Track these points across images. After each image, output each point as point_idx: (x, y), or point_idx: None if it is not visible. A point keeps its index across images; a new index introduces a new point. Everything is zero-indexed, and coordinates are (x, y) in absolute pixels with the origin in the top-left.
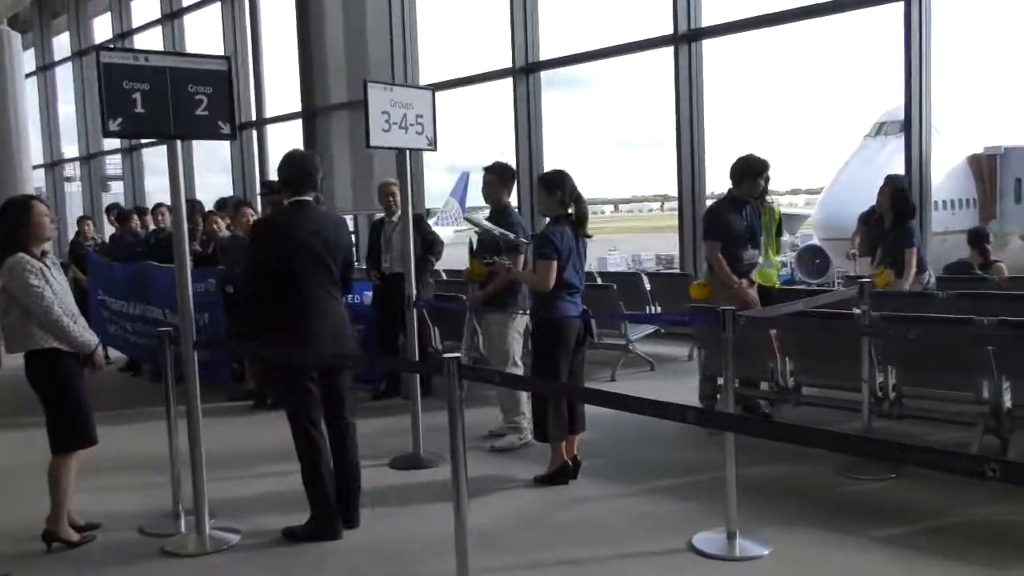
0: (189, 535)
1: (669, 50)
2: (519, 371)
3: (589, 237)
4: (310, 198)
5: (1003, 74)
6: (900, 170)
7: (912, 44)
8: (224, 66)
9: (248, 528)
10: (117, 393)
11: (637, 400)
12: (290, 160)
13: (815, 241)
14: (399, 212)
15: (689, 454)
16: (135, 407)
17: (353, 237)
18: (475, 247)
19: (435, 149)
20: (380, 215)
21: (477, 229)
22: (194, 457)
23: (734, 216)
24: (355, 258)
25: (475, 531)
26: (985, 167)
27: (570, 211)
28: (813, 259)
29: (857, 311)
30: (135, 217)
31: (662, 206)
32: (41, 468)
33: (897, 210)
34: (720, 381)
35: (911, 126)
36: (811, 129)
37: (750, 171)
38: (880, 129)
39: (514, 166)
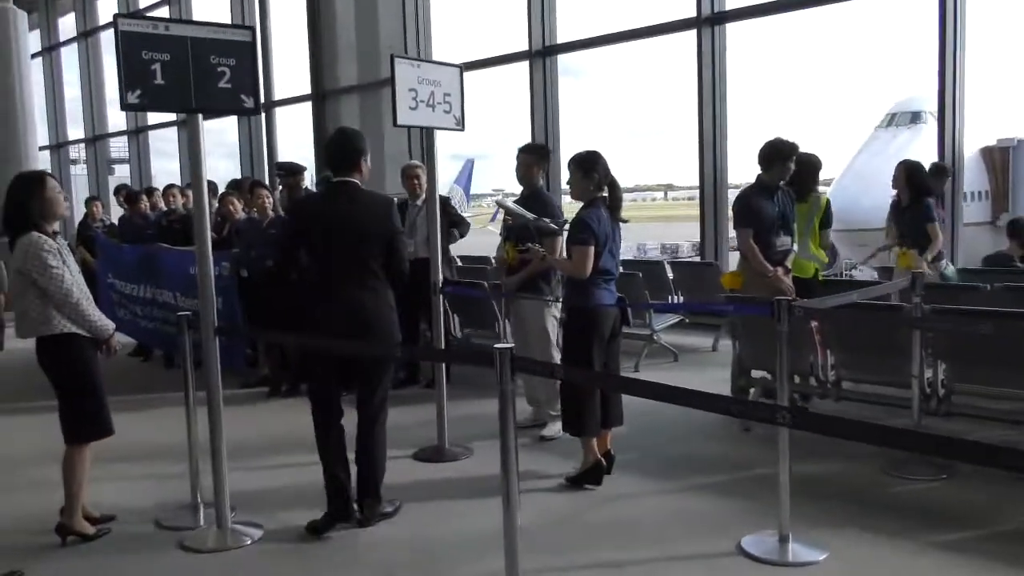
0: (209, 529)
1: (666, 38)
2: (558, 359)
3: (625, 221)
4: (350, 179)
5: (1015, 65)
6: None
7: (947, 28)
8: (248, 36)
9: (270, 522)
10: (127, 379)
11: (687, 392)
12: (330, 138)
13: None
14: (423, 196)
15: (726, 448)
16: (146, 393)
17: None
18: (507, 233)
19: (463, 129)
20: (404, 198)
21: (509, 215)
22: (215, 448)
23: (765, 202)
24: (404, 252)
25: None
26: (998, 159)
27: (604, 194)
28: None
29: (907, 305)
30: (144, 198)
31: (665, 195)
32: (53, 456)
33: (913, 187)
34: (754, 374)
35: (944, 114)
36: (822, 119)
37: (779, 155)
38: (892, 120)
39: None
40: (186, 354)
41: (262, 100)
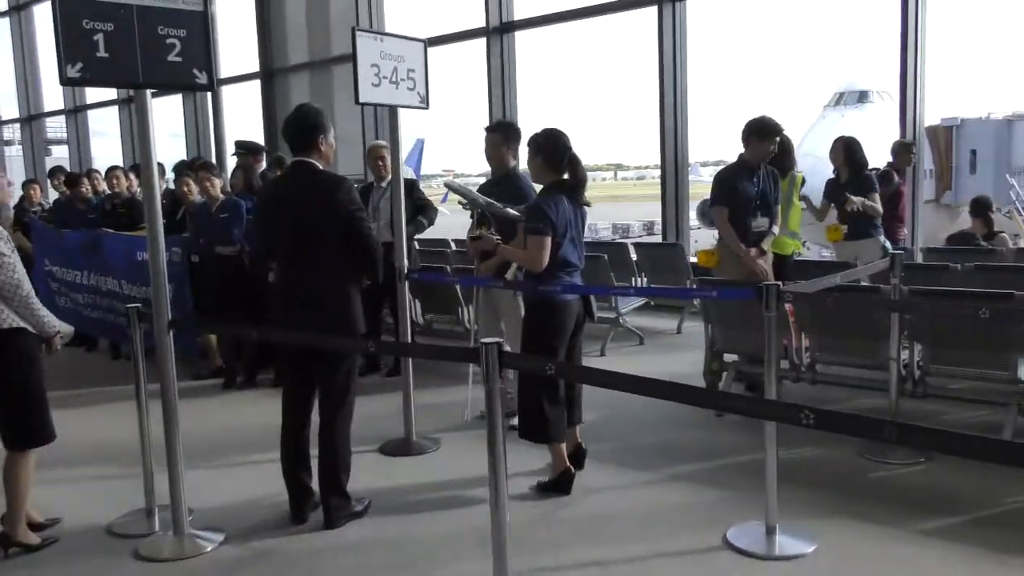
0: (165, 536)
1: (623, 15)
2: None
3: (588, 205)
4: (307, 159)
5: (959, 44)
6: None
7: (908, 5)
8: (200, 5)
9: (231, 527)
10: (69, 371)
11: (671, 386)
12: (287, 117)
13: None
14: (388, 177)
15: (702, 435)
16: (92, 386)
17: None
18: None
19: (427, 107)
20: (368, 180)
21: (462, 199)
22: (170, 449)
23: (744, 182)
24: (367, 231)
25: (482, 528)
26: (942, 138)
27: (565, 176)
28: None
29: (885, 287)
30: (85, 181)
31: (615, 175)
32: None
33: (853, 162)
34: (727, 358)
35: (906, 91)
36: (775, 100)
37: (757, 132)
38: (840, 99)
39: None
40: (136, 348)
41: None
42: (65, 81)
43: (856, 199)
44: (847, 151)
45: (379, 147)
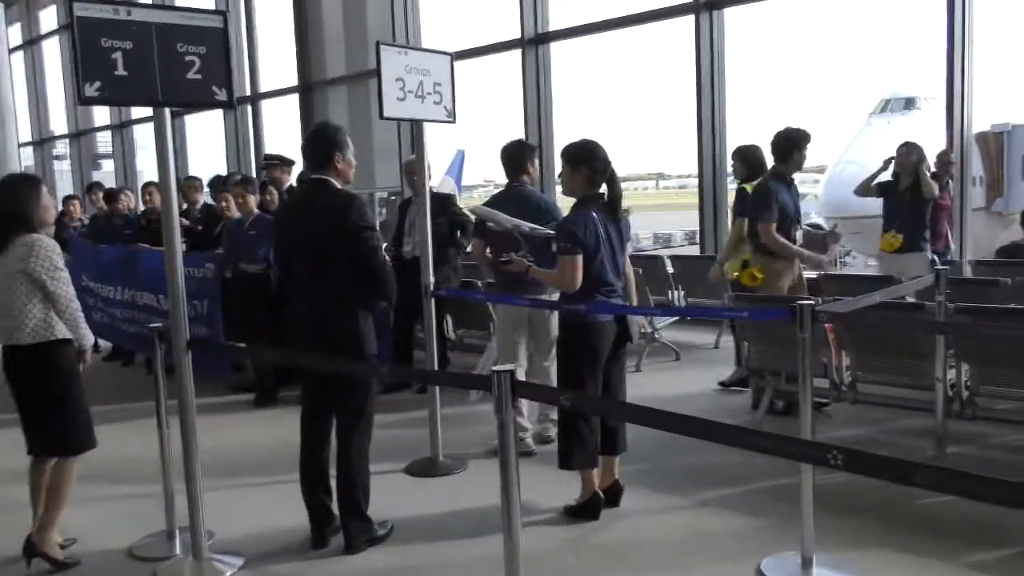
0: (185, 560)
1: (660, 24)
2: None
3: (627, 213)
4: (324, 176)
5: (1010, 49)
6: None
7: (955, 11)
8: (219, 23)
9: (251, 550)
10: (105, 386)
11: (706, 423)
12: (306, 134)
13: (818, 219)
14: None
15: (732, 457)
16: (126, 402)
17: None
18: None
19: (454, 121)
20: (407, 196)
21: (491, 223)
22: (189, 474)
23: (784, 194)
24: (372, 248)
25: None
26: (992, 145)
27: (602, 190)
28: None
29: (930, 303)
30: (122, 197)
31: (657, 184)
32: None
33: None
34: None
35: (952, 98)
36: (817, 108)
37: (795, 144)
38: (886, 106)
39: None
40: (157, 369)
41: (239, 93)
42: (83, 100)
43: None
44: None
45: (414, 162)
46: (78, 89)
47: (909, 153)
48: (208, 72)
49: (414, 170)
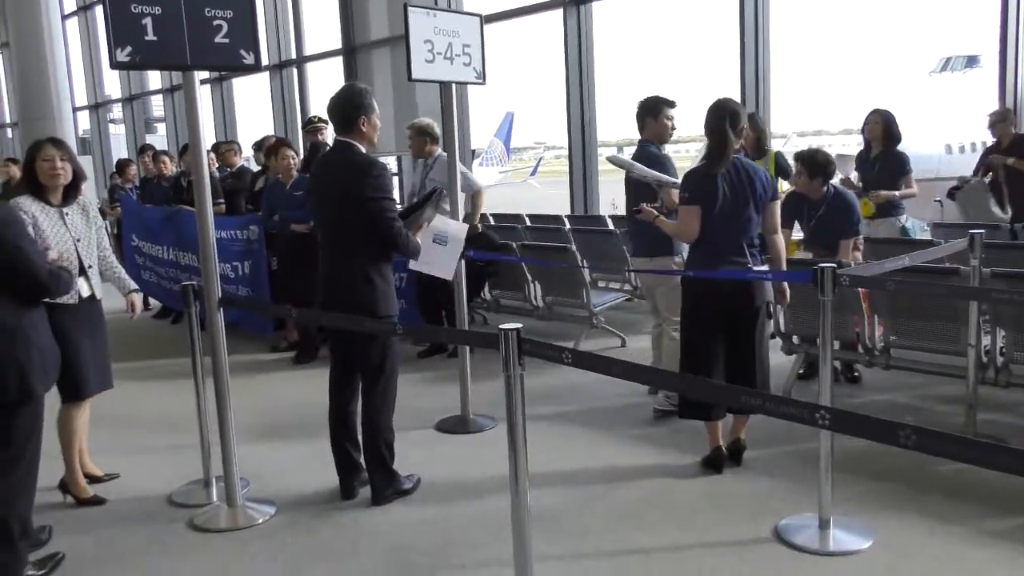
0: (220, 507)
1: None
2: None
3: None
4: (348, 139)
5: None
6: (979, 104)
7: None
8: None
9: (284, 499)
10: (151, 342)
11: (703, 383)
12: (332, 97)
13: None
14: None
15: (755, 419)
16: (173, 357)
17: (396, 180)
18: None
19: (484, 82)
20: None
21: (632, 172)
22: (223, 423)
23: None
24: (385, 218)
25: (533, 511)
26: None
27: (739, 145)
28: None
29: (964, 267)
30: (166, 159)
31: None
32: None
33: (889, 137)
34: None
35: (1006, 54)
36: (867, 67)
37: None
38: (946, 64)
39: (565, 104)
40: (192, 324)
41: (285, 56)
42: (115, 65)
43: (883, 193)
44: (885, 126)
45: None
46: (110, 54)
47: (877, 122)
48: (235, 35)
49: (418, 131)
